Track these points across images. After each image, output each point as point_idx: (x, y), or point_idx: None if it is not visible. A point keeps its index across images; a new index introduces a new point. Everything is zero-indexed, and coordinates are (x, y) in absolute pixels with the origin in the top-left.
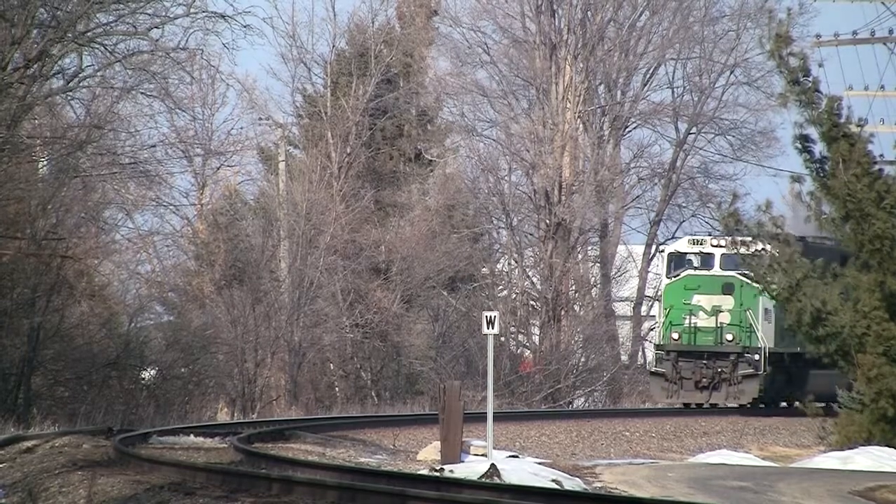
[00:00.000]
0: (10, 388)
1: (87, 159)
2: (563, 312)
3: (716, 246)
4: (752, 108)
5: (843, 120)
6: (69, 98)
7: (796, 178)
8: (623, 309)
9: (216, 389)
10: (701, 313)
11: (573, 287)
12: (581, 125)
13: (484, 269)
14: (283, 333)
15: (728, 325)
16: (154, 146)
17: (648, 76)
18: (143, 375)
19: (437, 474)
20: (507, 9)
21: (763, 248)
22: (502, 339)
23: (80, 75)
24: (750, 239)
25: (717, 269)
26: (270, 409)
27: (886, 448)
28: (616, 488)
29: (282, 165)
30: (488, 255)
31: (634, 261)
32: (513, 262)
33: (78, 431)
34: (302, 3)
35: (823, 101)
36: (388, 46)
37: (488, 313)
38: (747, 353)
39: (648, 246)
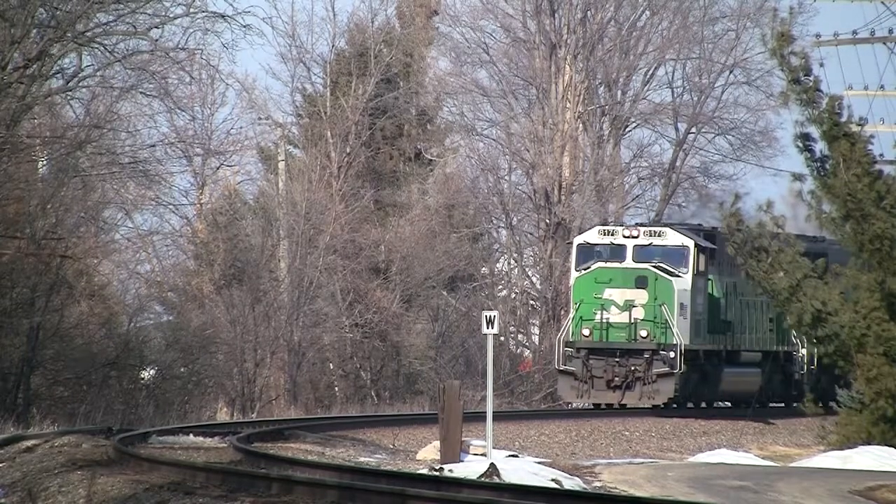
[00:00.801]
0: (10, 388)
1: (86, 159)
2: (562, 312)
3: (628, 237)
4: (752, 107)
5: (843, 119)
6: (69, 98)
7: (798, 177)
8: None
9: (216, 389)
10: (613, 308)
11: None
12: (581, 125)
13: (484, 269)
14: (282, 333)
15: (642, 320)
16: (154, 146)
17: (648, 76)
18: (142, 375)
19: (437, 474)
20: (507, 8)
21: (763, 249)
22: (502, 338)
23: (80, 75)
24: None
25: (629, 262)
26: (270, 408)
27: (886, 447)
28: (616, 488)
29: (281, 165)
30: (488, 254)
31: None
32: (512, 262)
33: (77, 431)
34: (301, 2)
35: (824, 100)
36: (388, 46)
37: (488, 313)
38: (662, 350)
39: None
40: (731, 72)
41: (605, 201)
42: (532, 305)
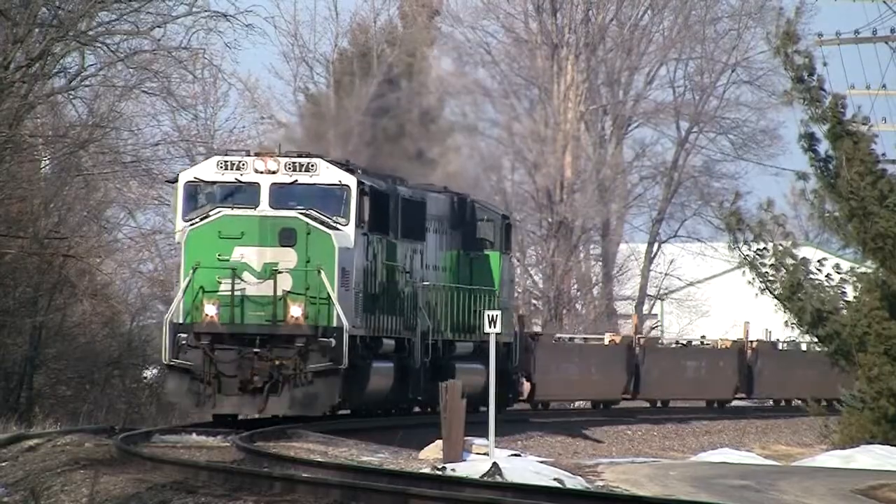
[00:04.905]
0: (13, 387)
1: (89, 158)
2: (564, 311)
3: (262, 171)
4: (754, 106)
5: (846, 118)
6: (71, 97)
7: (802, 176)
8: (625, 307)
9: None
10: (248, 275)
11: (575, 286)
12: (583, 124)
13: None
14: None
15: (292, 293)
16: (156, 145)
17: (650, 75)
18: (145, 374)
19: (440, 473)
20: (509, 8)
21: (764, 248)
22: None
23: (83, 74)
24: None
25: (265, 208)
26: None
27: (889, 447)
28: (618, 487)
29: None
30: None
31: (636, 259)
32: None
33: (80, 430)
34: (304, 2)
35: (827, 99)
36: (391, 46)
37: (490, 312)
38: (322, 336)
39: (650, 244)
40: (732, 70)
41: (607, 200)
42: (534, 304)
